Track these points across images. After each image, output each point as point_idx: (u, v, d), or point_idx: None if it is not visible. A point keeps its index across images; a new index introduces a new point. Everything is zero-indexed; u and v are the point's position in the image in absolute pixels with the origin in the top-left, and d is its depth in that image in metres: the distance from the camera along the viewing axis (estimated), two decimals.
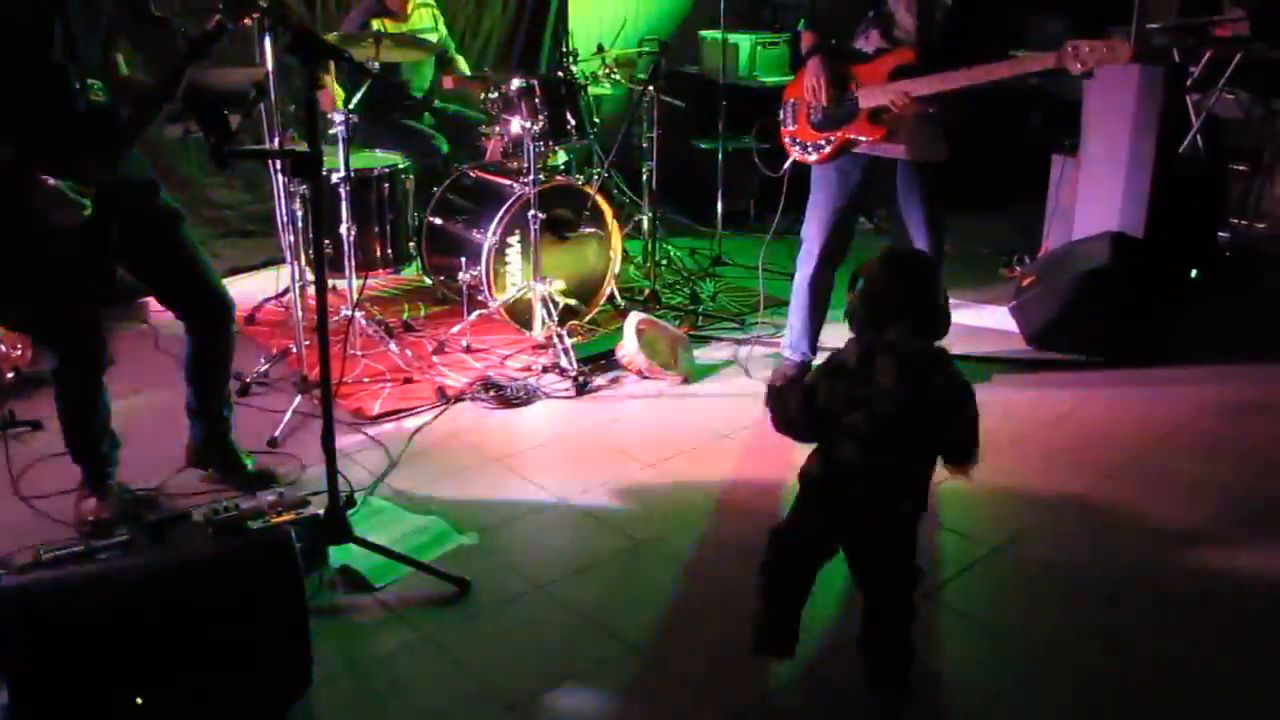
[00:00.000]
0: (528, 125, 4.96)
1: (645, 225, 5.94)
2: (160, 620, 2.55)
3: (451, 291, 5.49)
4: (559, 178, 5.35)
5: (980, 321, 5.57)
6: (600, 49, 6.30)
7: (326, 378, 3.15)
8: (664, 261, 6.19)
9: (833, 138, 4.39)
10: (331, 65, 5.10)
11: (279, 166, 4.76)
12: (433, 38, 5.90)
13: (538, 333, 5.08)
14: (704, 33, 7.65)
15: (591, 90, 5.84)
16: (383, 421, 4.39)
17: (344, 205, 4.71)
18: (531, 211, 4.91)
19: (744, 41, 7.41)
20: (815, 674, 2.93)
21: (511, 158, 5.52)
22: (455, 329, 5.15)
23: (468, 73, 6.27)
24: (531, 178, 4.92)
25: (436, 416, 4.44)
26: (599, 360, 4.94)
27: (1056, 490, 3.87)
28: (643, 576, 3.38)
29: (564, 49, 6.11)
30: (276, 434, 4.16)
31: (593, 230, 5.35)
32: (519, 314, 5.13)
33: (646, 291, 5.71)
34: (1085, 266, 5.05)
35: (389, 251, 5.36)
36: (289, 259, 4.78)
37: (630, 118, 6.11)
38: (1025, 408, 4.55)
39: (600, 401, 4.64)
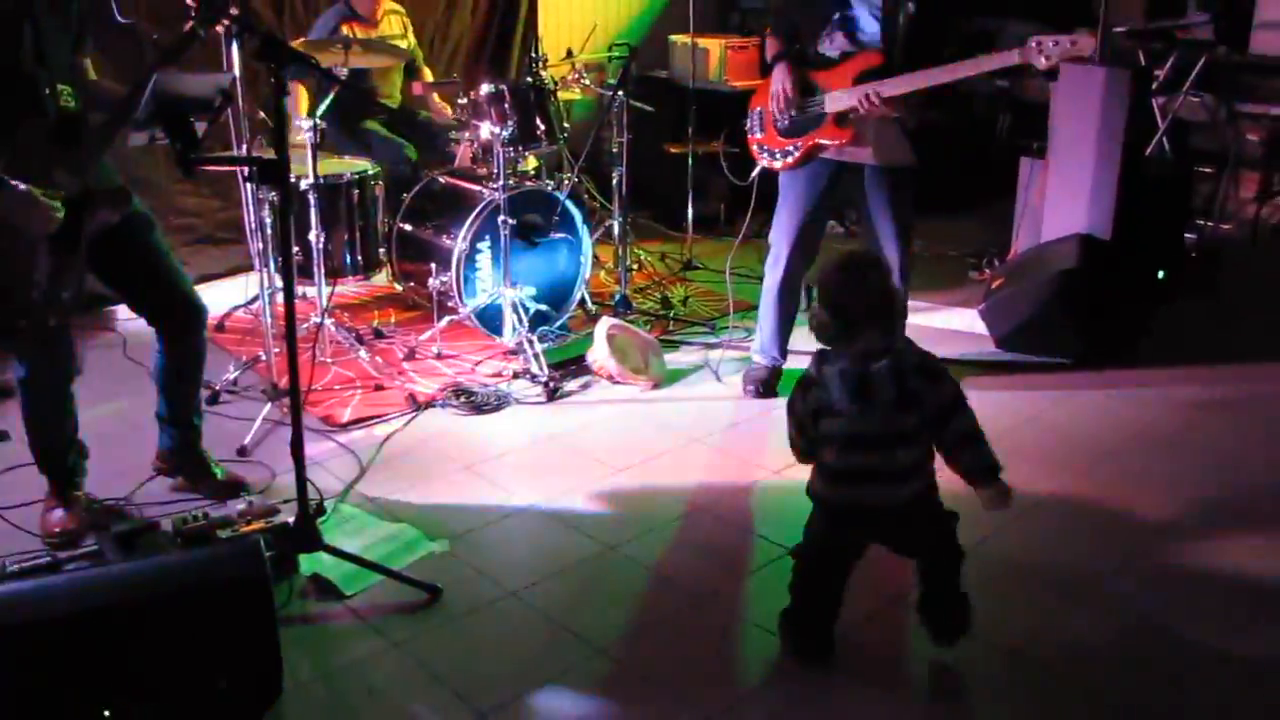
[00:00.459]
0: (497, 131, 4.95)
1: (615, 230, 5.95)
2: (129, 631, 2.53)
3: (421, 298, 5.48)
4: (529, 183, 5.34)
5: (950, 324, 5.59)
6: (570, 54, 6.30)
7: (295, 385, 3.15)
8: (635, 266, 6.19)
9: (800, 143, 4.41)
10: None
11: (247, 173, 4.74)
12: (402, 44, 5.89)
13: (508, 339, 5.08)
14: (673, 37, 7.66)
15: (561, 95, 5.84)
16: (353, 429, 4.38)
17: (313, 212, 4.69)
18: (501, 217, 4.91)
19: (714, 46, 7.42)
20: (786, 673, 2.94)
21: (481, 163, 5.52)
22: (425, 335, 5.15)
23: (431, 79, 6.26)
24: (501, 183, 4.91)
25: (407, 423, 4.43)
26: (570, 366, 4.94)
27: (1026, 491, 3.87)
28: (614, 581, 3.38)
29: (533, 54, 6.10)
30: (246, 442, 4.15)
31: (563, 235, 5.35)
32: (489, 320, 5.13)
33: (616, 297, 5.71)
34: (1054, 268, 5.08)
35: (359, 258, 5.34)
36: (258, 266, 4.76)
37: (600, 123, 6.11)
38: (995, 410, 4.52)
39: (571, 407, 4.64)
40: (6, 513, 3.63)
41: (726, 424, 4.48)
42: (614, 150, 5.93)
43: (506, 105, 5.23)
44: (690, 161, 6.39)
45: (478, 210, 5.05)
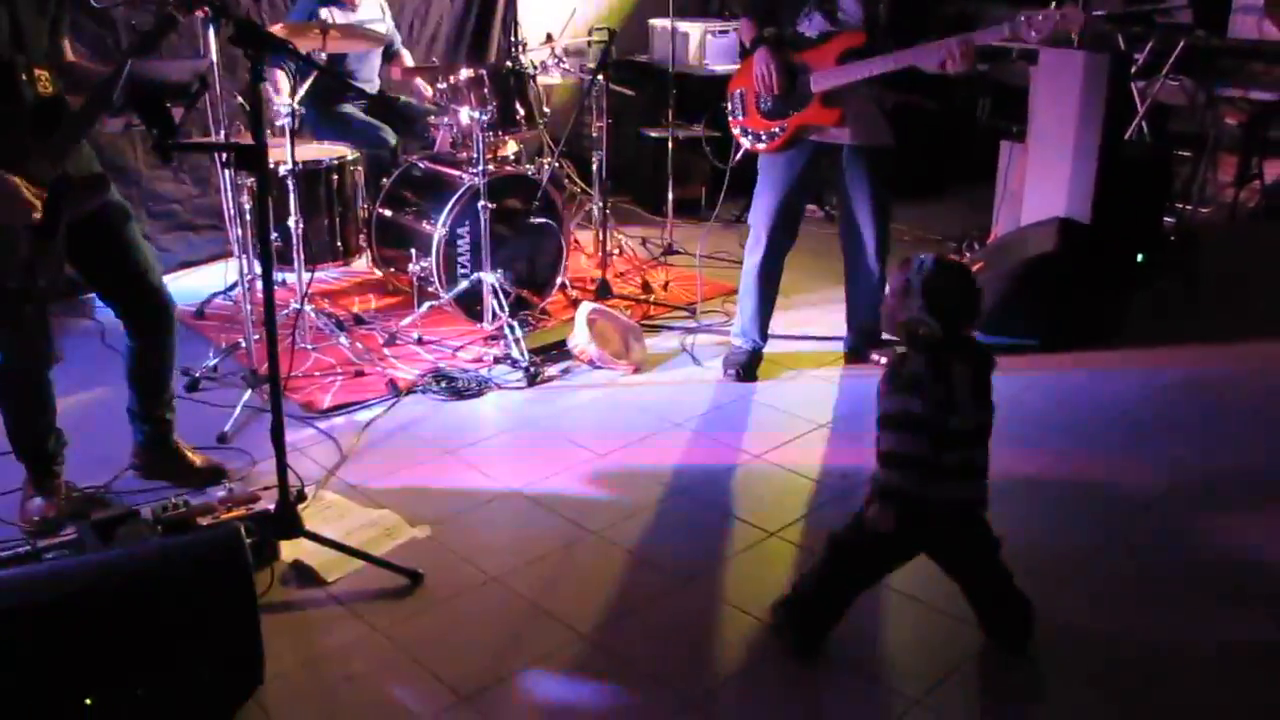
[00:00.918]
0: (477, 115, 4.94)
1: (595, 214, 5.94)
2: (109, 619, 2.53)
3: (402, 283, 5.47)
4: (509, 168, 5.33)
5: None
6: (549, 38, 6.28)
7: (275, 372, 3.14)
8: (615, 251, 6.19)
9: (785, 125, 4.41)
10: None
11: (224, 159, 4.72)
12: (380, 29, 5.87)
13: (489, 324, 5.07)
14: (653, 21, 7.65)
15: (541, 80, 5.83)
16: (333, 415, 4.37)
17: (292, 198, 4.68)
18: (481, 202, 4.90)
19: (694, 30, 7.42)
20: (766, 657, 2.95)
21: (461, 148, 5.50)
22: (406, 321, 5.14)
23: (410, 63, 6.23)
24: (481, 168, 4.90)
25: (388, 409, 4.42)
26: (550, 351, 4.94)
27: (1007, 473, 3.87)
28: (594, 565, 3.39)
29: (513, 38, 6.08)
30: (226, 429, 4.14)
31: (543, 220, 5.34)
32: (469, 305, 5.12)
33: (597, 281, 5.71)
34: (1033, 252, 5.10)
35: (338, 244, 5.32)
36: (237, 253, 4.74)
37: (580, 107, 6.10)
38: None
39: (552, 392, 4.64)
40: None
41: (707, 408, 4.48)
42: (594, 134, 5.92)
43: (486, 90, 5.23)
44: (670, 146, 6.39)
45: (458, 195, 5.04)
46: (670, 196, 6.47)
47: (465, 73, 5.28)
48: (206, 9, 3.23)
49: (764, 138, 4.49)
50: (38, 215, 3.06)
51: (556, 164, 5.70)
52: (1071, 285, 5.05)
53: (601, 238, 5.83)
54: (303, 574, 3.27)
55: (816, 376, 4.79)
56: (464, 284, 5.09)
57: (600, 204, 5.88)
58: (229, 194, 4.83)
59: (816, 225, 6.78)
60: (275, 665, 2.79)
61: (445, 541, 3.48)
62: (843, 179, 4.47)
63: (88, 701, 2.48)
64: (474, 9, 7.25)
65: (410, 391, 4.56)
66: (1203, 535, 3.58)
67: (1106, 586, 3.29)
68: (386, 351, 4.96)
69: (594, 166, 5.94)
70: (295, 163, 4.66)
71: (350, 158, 5.30)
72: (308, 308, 4.87)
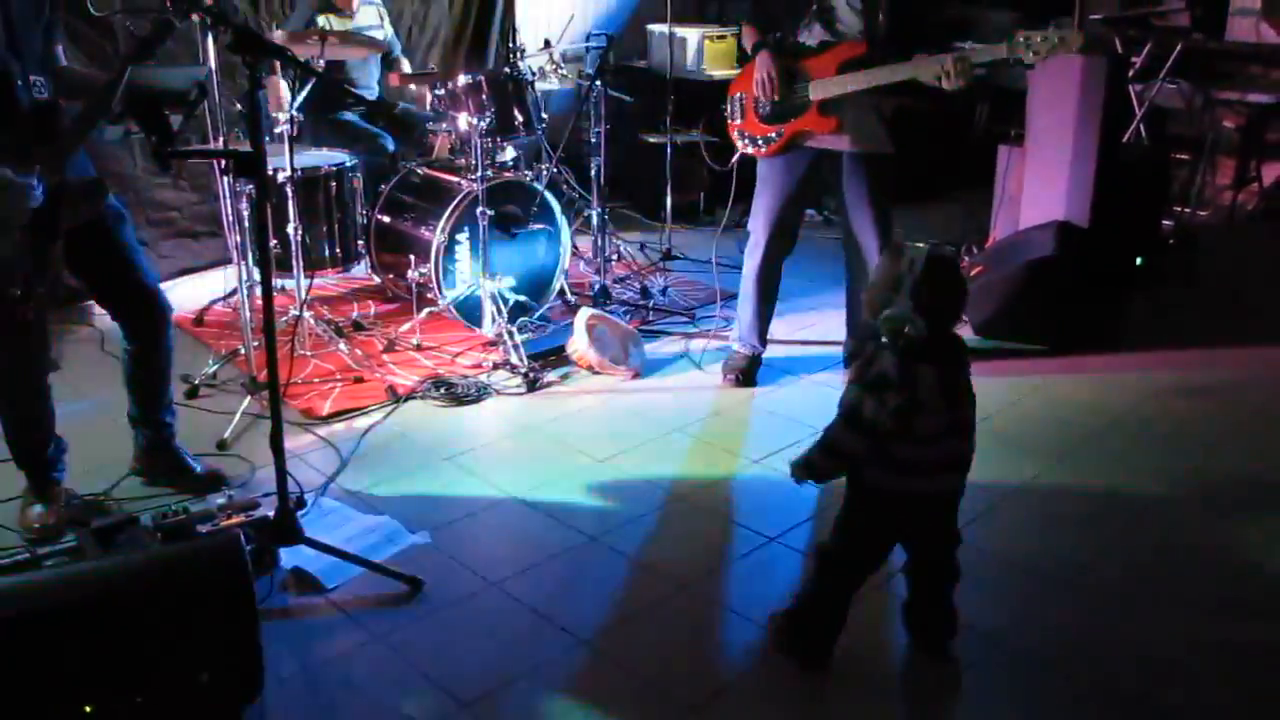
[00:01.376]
0: (475, 122, 4.94)
1: (594, 220, 5.95)
2: (109, 626, 2.52)
3: (401, 290, 5.47)
4: (507, 174, 5.34)
5: None
6: (547, 44, 6.29)
7: (275, 378, 3.14)
8: (614, 256, 6.19)
9: (782, 130, 4.41)
10: (277, 64, 5.08)
11: (223, 166, 4.73)
12: (379, 35, 5.87)
13: (488, 330, 5.07)
14: (651, 26, 7.66)
15: (539, 86, 5.83)
16: (333, 421, 4.37)
17: (291, 205, 4.68)
18: (480, 208, 4.90)
19: (691, 36, 7.43)
20: (767, 662, 2.95)
21: (459, 155, 5.51)
22: (405, 327, 5.14)
23: (409, 70, 6.24)
24: (479, 174, 4.90)
25: (387, 415, 4.42)
26: (550, 356, 4.94)
27: (1004, 478, 3.91)
28: (595, 571, 3.38)
29: (511, 44, 6.08)
30: (226, 436, 4.13)
31: (542, 226, 5.34)
32: (468, 311, 5.12)
33: (596, 287, 5.71)
34: (1031, 255, 5.10)
35: (337, 250, 5.32)
36: (236, 259, 4.74)
37: (578, 112, 6.10)
38: None
39: (551, 398, 4.64)
40: None
41: (706, 413, 4.48)
42: (592, 140, 5.92)
43: (484, 96, 5.23)
44: (669, 151, 6.39)
45: (456, 201, 5.04)
46: (669, 201, 6.48)
47: (463, 79, 5.28)
48: (203, 14, 3.22)
49: (760, 142, 4.50)
50: (36, 194, 3.04)
51: (555, 169, 5.70)
52: (1070, 289, 5.05)
53: (600, 243, 5.83)
54: (302, 581, 3.27)
55: (816, 382, 4.79)
56: (463, 289, 5.08)
57: (599, 209, 5.89)
58: (228, 201, 4.83)
59: (816, 230, 6.79)
60: (274, 672, 2.79)
61: (445, 548, 3.48)
62: (842, 186, 4.47)
63: (87, 709, 2.48)
64: (472, 15, 7.25)
65: (409, 398, 4.56)
66: (1202, 540, 3.58)
67: (1103, 591, 3.29)
68: (386, 358, 4.96)
69: (592, 172, 5.94)
70: (294, 170, 4.66)
71: (349, 164, 5.30)
72: (307, 314, 4.87)
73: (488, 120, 5.02)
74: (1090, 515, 3.73)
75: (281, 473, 3.16)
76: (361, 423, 4.36)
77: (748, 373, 4.73)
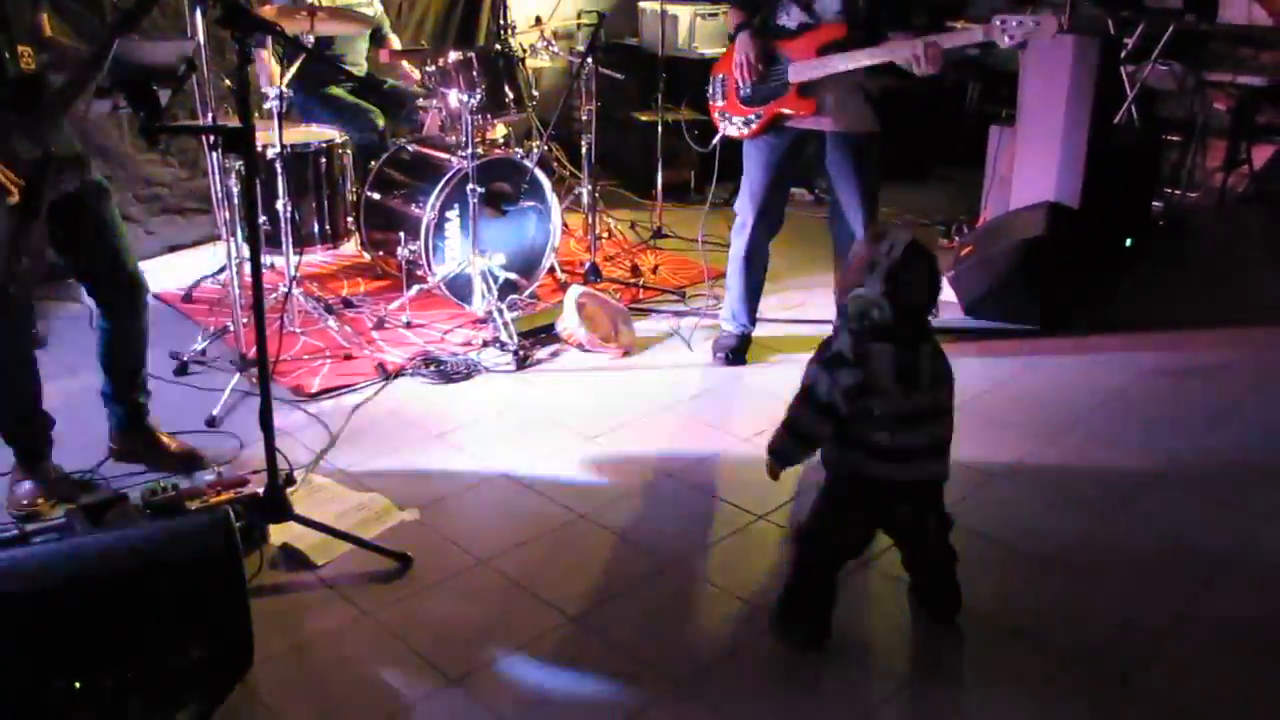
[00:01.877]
0: (465, 99, 4.93)
1: (584, 198, 5.93)
2: (98, 603, 2.53)
3: (390, 267, 5.46)
4: (497, 151, 5.32)
5: None
6: (538, 21, 6.27)
7: (264, 355, 3.13)
8: (604, 235, 6.19)
9: (761, 112, 4.41)
10: (269, 40, 5.06)
11: (212, 142, 4.71)
12: (369, 11, 5.85)
13: (478, 307, 5.07)
14: (643, 4, 7.63)
15: (530, 63, 5.81)
16: (322, 398, 4.36)
17: (280, 181, 4.67)
18: (470, 185, 4.89)
19: (683, 13, 7.40)
20: (755, 639, 2.96)
21: (449, 132, 5.49)
22: (395, 304, 5.13)
23: (398, 46, 6.21)
24: (470, 152, 4.89)
25: (377, 393, 4.42)
26: (539, 334, 4.94)
27: (995, 458, 3.91)
28: (583, 548, 3.39)
29: (502, 21, 6.07)
30: (215, 413, 4.13)
31: (532, 204, 5.33)
32: (458, 289, 5.11)
33: (586, 265, 5.71)
34: (1022, 236, 5.10)
35: (327, 227, 5.31)
36: (225, 236, 4.73)
37: (569, 90, 6.09)
38: (963, 376, 4.50)
39: (541, 375, 4.64)
40: None
41: (696, 391, 4.49)
42: (583, 118, 5.91)
43: (475, 73, 5.21)
44: (660, 129, 6.38)
45: (446, 178, 5.03)
46: (659, 180, 6.47)
47: (454, 55, 5.26)
48: None
49: (741, 124, 4.50)
50: (14, 198, 3.04)
51: (545, 147, 5.69)
52: (1060, 269, 5.05)
53: (590, 221, 5.83)
54: (292, 557, 3.27)
55: (805, 360, 4.78)
56: (453, 267, 5.08)
57: (589, 187, 5.87)
58: (217, 177, 4.81)
59: (805, 209, 6.79)
60: (264, 648, 2.79)
61: (434, 525, 3.48)
62: (829, 166, 4.47)
63: (76, 685, 2.48)
64: None
65: (399, 375, 4.56)
66: (1188, 519, 3.59)
67: (1090, 569, 3.30)
68: (375, 335, 4.95)
69: (583, 150, 5.93)
70: (284, 146, 4.64)
71: (338, 141, 5.28)
72: (296, 291, 4.86)
73: (478, 97, 5.01)
74: (1078, 494, 3.74)
75: (271, 450, 3.16)
76: (351, 400, 4.35)
77: (737, 351, 4.74)
